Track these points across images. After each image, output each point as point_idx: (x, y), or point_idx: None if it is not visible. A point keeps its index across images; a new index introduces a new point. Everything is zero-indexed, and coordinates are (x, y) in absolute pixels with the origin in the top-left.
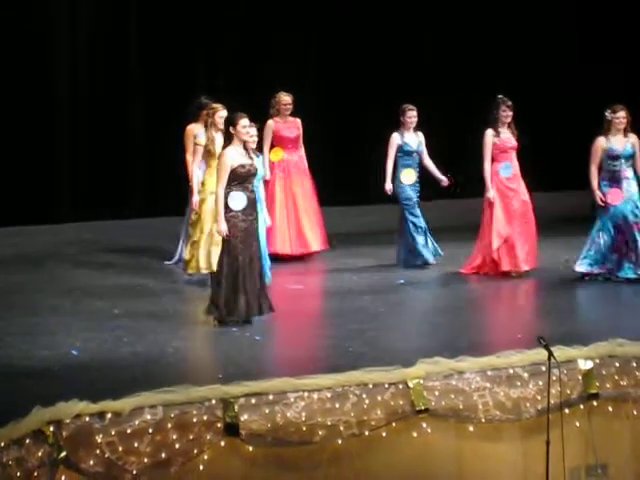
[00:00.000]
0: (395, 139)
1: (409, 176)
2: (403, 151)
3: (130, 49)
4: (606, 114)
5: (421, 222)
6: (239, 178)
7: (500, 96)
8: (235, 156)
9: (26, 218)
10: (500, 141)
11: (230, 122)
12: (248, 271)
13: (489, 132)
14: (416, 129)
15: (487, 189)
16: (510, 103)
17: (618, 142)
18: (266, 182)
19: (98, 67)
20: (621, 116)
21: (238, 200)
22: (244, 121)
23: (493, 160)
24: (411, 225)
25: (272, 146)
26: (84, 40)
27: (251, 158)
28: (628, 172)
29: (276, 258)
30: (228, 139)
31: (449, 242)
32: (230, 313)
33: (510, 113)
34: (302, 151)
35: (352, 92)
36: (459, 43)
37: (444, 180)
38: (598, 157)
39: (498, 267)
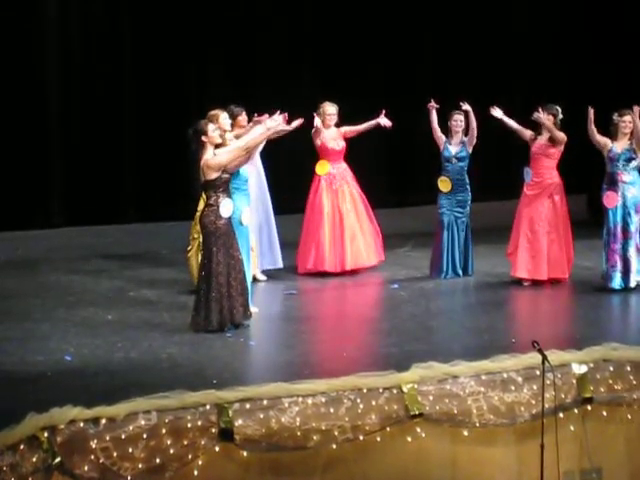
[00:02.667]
0: (442, 138)
1: (444, 184)
2: (443, 156)
3: (123, 49)
4: (614, 117)
5: (445, 234)
6: (224, 185)
7: (550, 104)
8: None
9: (19, 223)
10: (533, 145)
11: (201, 132)
12: (231, 281)
13: (529, 135)
14: (464, 134)
15: None
16: (553, 110)
17: (620, 145)
18: (312, 195)
19: (91, 70)
20: (627, 120)
21: (228, 207)
22: (212, 126)
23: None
24: (442, 235)
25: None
26: (76, 39)
27: None
28: (625, 176)
29: (327, 274)
30: (202, 147)
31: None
32: (216, 321)
33: (548, 117)
34: (345, 164)
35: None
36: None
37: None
38: (602, 139)
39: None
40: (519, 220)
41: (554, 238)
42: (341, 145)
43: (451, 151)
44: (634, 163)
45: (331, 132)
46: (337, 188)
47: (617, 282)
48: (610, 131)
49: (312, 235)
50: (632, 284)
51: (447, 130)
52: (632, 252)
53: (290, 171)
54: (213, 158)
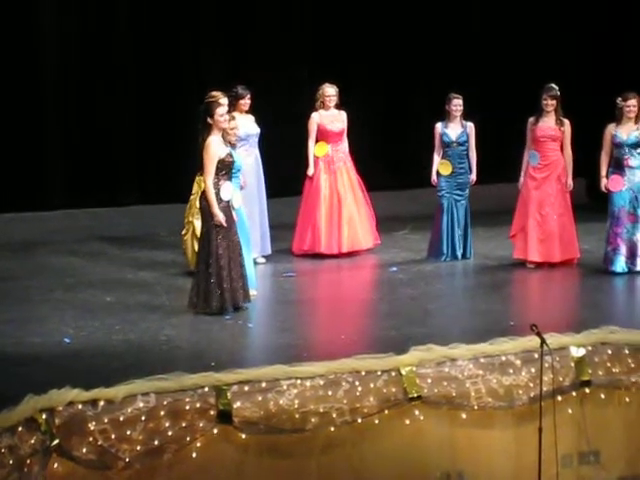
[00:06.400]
0: (437, 129)
1: (444, 167)
2: (443, 142)
3: (120, 32)
4: (617, 101)
5: (445, 217)
6: (226, 168)
7: (549, 84)
8: (220, 146)
9: (17, 205)
10: (535, 129)
11: (207, 111)
12: (232, 264)
13: (529, 119)
14: (466, 118)
15: (520, 176)
16: (553, 92)
17: (625, 130)
18: (309, 178)
19: (87, 50)
20: (632, 104)
21: (228, 190)
22: (221, 109)
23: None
24: (441, 217)
25: (316, 140)
26: (72, 25)
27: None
28: (632, 161)
29: (323, 256)
30: (207, 129)
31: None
32: (216, 303)
33: (551, 102)
34: (346, 145)
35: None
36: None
37: (472, 179)
38: (607, 144)
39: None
40: (526, 203)
41: (566, 220)
42: (339, 127)
43: (451, 136)
44: None
45: (330, 114)
46: (335, 170)
47: (620, 265)
48: (615, 115)
49: (309, 217)
50: (638, 268)
51: (445, 113)
52: (639, 236)
53: (286, 154)
54: (207, 149)
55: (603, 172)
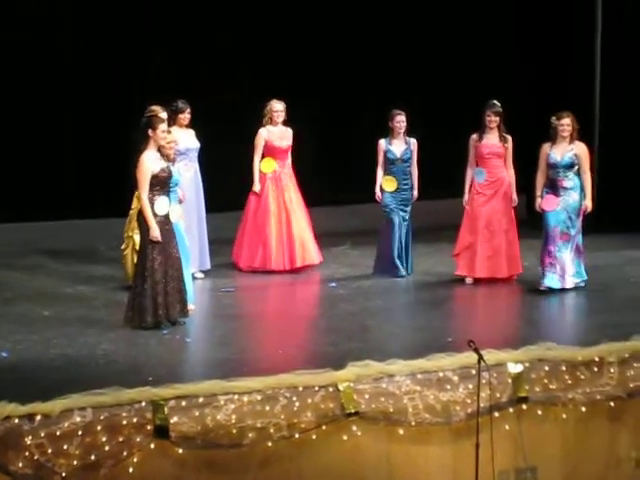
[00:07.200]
0: (380, 146)
1: (389, 183)
2: (387, 158)
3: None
4: (552, 120)
5: (396, 232)
6: (161, 183)
7: (492, 101)
8: (154, 161)
9: None
10: (480, 145)
11: (149, 125)
12: (168, 279)
13: (472, 136)
14: (409, 135)
15: (464, 193)
16: (496, 109)
17: (559, 151)
18: (255, 194)
19: (25, 60)
20: (565, 123)
21: (163, 204)
22: (163, 126)
23: (477, 165)
24: (392, 233)
25: (262, 156)
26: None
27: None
28: (566, 182)
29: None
30: (145, 143)
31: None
32: (151, 318)
33: (495, 118)
34: (290, 161)
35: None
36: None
37: (414, 195)
38: (543, 164)
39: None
40: (473, 219)
41: (511, 236)
42: (286, 144)
43: (395, 153)
44: (575, 169)
45: (278, 130)
46: (283, 186)
47: (552, 282)
48: (549, 135)
49: (258, 234)
50: (568, 285)
51: (388, 129)
52: (569, 255)
53: (226, 169)
54: (140, 166)
55: (538, 192)
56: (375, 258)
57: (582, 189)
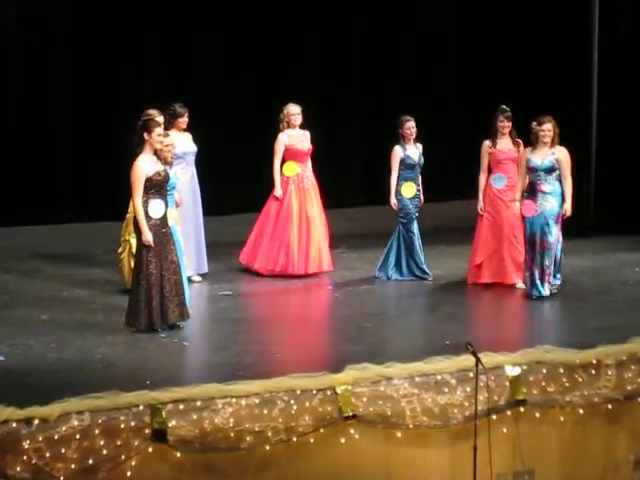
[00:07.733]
0: (398, 152)
1: (410, 189)
2: (405, 164)
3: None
4: (533, 125)
5: (414, 240)
6: (156, 186)
7: (502, 106)
8: (149, 164)
9: None
10: (495, 152)
11: (145, 129)
12: (164, 282)
13: (485, 143)
14: (415, 140)
15: (478, 200)
16: (508, 114)
17: (540, 155)
18: (276, 198)
19: (22, 65)
20: (546, 128)
21: (158, 208)
22: (159, 129)
23: (490, 171)
24: (403, 240)
25: (283, 160)
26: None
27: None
28: (545, 186)
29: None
30: (140, 147)
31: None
32: (145, 320)
33: (507, 124)
34: (310, 164)
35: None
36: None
37: (422, 200)
38: (523, 168)
39: (479, 278)
40: (496, 226)
41: (519, 241)
42: (308, 146)
43: (414, 158)
44: (556, 173)
45: (298, 133)
46: (305, 190)
47: (535, 289)
48: (530, 140)
49: (281, 238)
50: (546, 293)
51: (399, 136)
52: (548, 262)
53: (224, 172)
54: (134, 170)
55: (517, 195)
56: (382, 261)
57: (562, 194)
